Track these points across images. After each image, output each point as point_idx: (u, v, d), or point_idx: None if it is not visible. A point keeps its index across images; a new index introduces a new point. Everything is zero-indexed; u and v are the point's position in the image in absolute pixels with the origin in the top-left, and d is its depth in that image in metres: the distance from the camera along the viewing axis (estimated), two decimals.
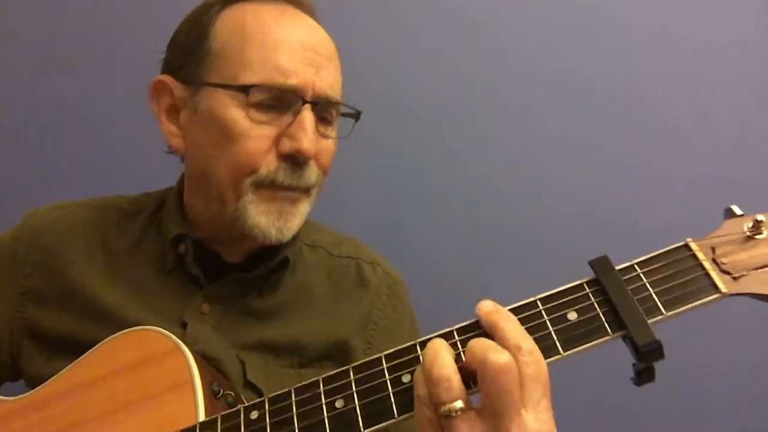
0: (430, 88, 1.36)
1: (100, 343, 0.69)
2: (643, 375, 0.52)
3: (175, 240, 0.82)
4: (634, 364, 0.52)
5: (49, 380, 0.69)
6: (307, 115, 0.74)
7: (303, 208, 0.79)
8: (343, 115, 0.86)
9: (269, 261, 0.83)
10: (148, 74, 0.84)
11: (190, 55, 0.78)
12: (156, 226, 0.86)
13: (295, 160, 0.75)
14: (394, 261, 0.99)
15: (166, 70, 0.82)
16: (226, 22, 0.78)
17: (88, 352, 0.69)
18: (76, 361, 0.69)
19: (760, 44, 1.29)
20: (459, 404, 0.48)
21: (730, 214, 0.56)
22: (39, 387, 0.69)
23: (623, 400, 1.24)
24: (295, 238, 0.85)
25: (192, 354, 0.65)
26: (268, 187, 0.75)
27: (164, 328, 0.71)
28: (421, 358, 0.54)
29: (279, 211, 0.76)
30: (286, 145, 0.74)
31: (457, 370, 0.49)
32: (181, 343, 0.66)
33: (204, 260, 0.82)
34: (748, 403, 1.26)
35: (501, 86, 1.35)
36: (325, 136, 0.80)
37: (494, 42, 1.35)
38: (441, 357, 0.50)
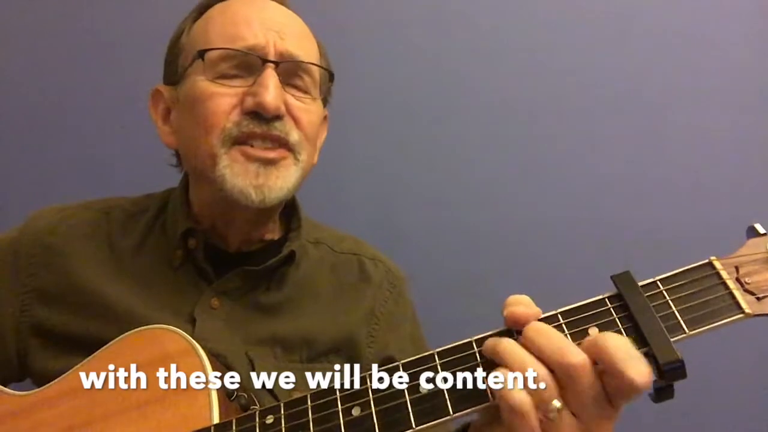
0: (431, 88, 1.35)
1: (112, 342, 0.69)
2: (663, 393, 0.51)
3: (184, 235, 0.82)
4: (654, 381, 0.52)
5: (61, 377, 0.69)
6: (269, 73, 0.75)
7: (287, 168, 0.78)
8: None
9: (275, 255, 0.83)
10: (150, 75, 0.87)
11: (171, 58, 0.84)
12: (160, 225, 0.87)
13: (260, 116, 0.75)
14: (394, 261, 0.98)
15: (162, 81, 0.87)
16: (198, 21, 0.83)
17: (100, 350, 0.69)
18: (88, 358, 0.69)
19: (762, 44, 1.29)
20: (557, 404, 0.49)
21: (753, 232, 0.55)
22: (50, 383, 0.69)
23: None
24: (299, 234, 0.88)
25: (206, 354, 0.65)
26: (239, 143, 0.75)
27: (173, 325, 0.70)
28: (439, 367, 0.54)
29: (255, 171, 0.75)
30: (249, 102, 0.75)
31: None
32: (195, 342, 0.66)
33: (211, 255, 0.82)
34: (748, 403, 1.27)
35: (501, 85, 1.35)
36: (298, 99, 0.80)
37: (495, 42, 1.34)
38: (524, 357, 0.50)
